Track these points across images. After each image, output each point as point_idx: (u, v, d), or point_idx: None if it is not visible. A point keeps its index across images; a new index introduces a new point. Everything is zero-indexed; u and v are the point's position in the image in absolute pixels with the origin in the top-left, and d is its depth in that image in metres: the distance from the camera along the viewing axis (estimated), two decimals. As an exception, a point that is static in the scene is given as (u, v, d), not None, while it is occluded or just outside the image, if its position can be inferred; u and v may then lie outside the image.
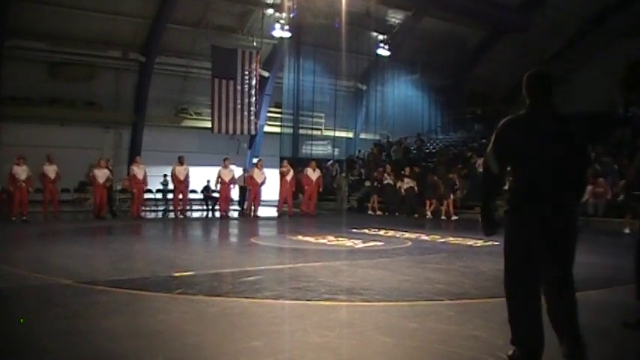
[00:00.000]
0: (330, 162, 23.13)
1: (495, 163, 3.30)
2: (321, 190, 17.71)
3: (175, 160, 16.39)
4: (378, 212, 19.16)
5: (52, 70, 21.81)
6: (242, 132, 22.40)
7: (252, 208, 16.93)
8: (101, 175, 15.07)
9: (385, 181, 18.95)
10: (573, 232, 3.26)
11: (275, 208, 18.07)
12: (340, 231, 12.09)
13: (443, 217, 16.43)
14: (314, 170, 17.63)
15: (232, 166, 16.96)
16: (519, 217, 3.24)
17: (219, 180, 16.39)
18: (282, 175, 17.35)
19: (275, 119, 27.44)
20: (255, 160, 17.93)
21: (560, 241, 3.22)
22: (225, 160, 16.68)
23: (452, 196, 16.71)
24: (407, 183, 18.44)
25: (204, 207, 19.45)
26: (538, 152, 3.19)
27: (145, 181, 15.67)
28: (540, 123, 3.23)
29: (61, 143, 21.02)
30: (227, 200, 16.63)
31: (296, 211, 17.50)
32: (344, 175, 21.08)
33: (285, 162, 17.94)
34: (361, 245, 9.48)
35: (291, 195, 17.40)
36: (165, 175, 20.03)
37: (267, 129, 26.84)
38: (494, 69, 27.07)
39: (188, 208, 17.77)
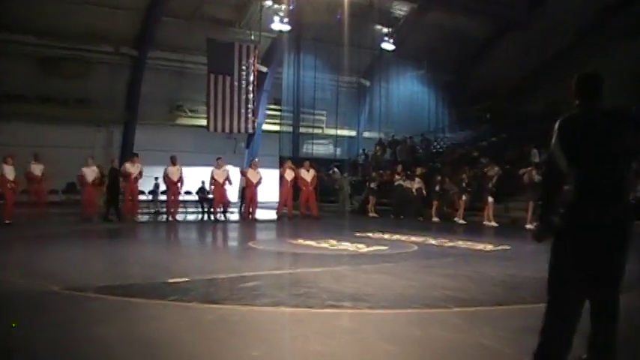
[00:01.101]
0: (331, 170, 23.16)
1: (563, 158, 3.19)
2: (313, 187, 17.62)
3: (168, 160, 16.40)
4: (374, 214, 19.17)
5: (43, 66, 21.85)
6: (239, 130, 22.40)
7: (250, 210, 16.94)
8: (90, 173, 15.07)
9: (396, 183, 18.96)
10: (625, 244, 3.13)
11: (274, 211, 18.09)
12: (342, 234, 12.09)
13: (458, 220, 16.45)
14: (308, 170, 17.62)
15: (228, 166, 16.94)
16: (572, 221, 3.14)
17: (212, 181, 16.42)
18: (282, 175, 17.37)
19: (274, 117, 27.42)
20: (257, 160, 17.91)
21: (610, 254, 3.11)
22: (217, 159, 16.66)
23: (463, 197, 16.71)
24: (417, 183, 18.48)
25: (200, 209, 19.47)
26: (596, 152, 3.15)
27: (138, 180, 15.70)
28: (595, 123, 3.21)
29: (49, 142, 21.04)
30: (222, 202, 16.63)
31: (296, 213, 17.49)
32: (346, 175, 21.10)
33: (289, 162, 17.94)
34: (365, 249, 9.49)
35: (291, 196, 17.42)
36: (156, 179, 20.00)
37: (265, 127, 26.82)
38: (497, 66, 27.11)
39: (183, 210, 17.78)
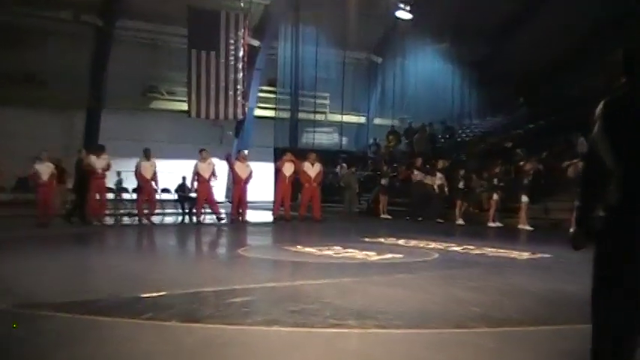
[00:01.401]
0: (339, 166, 23.23)
1: (608, 150, 3.12)
2: (318, 185, 17.65)
3: (141, 152, 16.37)
4: (386, 216, 19.28)
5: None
6: (227, 117, 22.40)
7: (240, 211, 16.96)
8: (44, 170, 15.08)
9: (415, 179, 18.98)
10: None
11: (270, 212, 18.11)
12: (349, 240, 12.13)
13: (488, 223, 16.44)
14: (313, 164, 17.64)
15: (213, 159, 16.93)
16: (617, 226, 3.08)
17: (196, 177, 16.41)
18: (280, 169, 17.39)
19: (268, 101, 27.46)
20: (245, 152, 17.93)
21: None
22: (201, 151, 16.67)
23: (495, 196, 16.66)
24: (438, 179, 18.49)
25: (180, 210, 19.50)
26: None
27: (105, 177, 15.73)
28: None
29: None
30: (209, 201, 16.64)
31: (295, 215, 17.56)
32: (353, 170, 21.11)
33: (289, 154, 17.95)
34: (375, 258, 9.53)
35: (289, 194, 17.44)
36: (119, 174, 19.98)
37: (258, 113, 26.87)
38: (535, 40, 26.98)
39: (160, 211, 17.81)
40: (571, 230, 3.29)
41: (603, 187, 3.17)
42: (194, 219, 16.94)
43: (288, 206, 17.43)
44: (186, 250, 11.88)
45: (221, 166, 17.87)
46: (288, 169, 17.37)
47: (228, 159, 17.52)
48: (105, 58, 23.62)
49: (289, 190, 17.45)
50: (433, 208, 18.35)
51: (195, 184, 16.61)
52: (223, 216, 16.97)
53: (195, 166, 16.44)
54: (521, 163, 16.74)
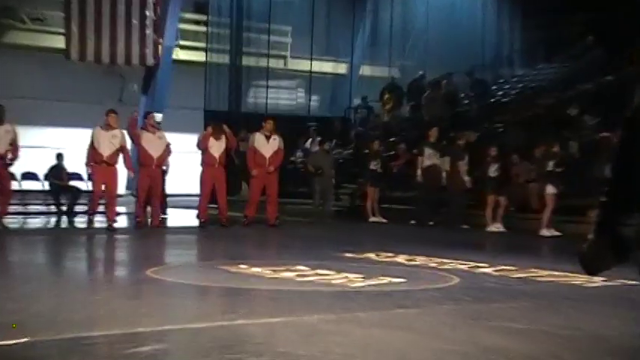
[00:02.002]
0: (307, 142, 23.14)
1: None
2: (275, 169, 17.60)
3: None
4: (377, 218, 19.46)
5: None
6: (129, 61, 22.21)
7: (150, 209, 16.88)
8: None
9: (425, 163, 18.95)
10: None
11: (195, 211, 18.07)
12: (321, 255, 12.15)
13: (547, 233, 16.50)
14: (268, 138, 17.60)
15: (121, 131, 16.66)
16: None
17: (92, 154, 16.21)
18: (205, 148, 17.27)
19: (195, 37, 27.35)
20: (159, 117, 17.77)
21: None
22: (109, 114, 16.47)
23: (549, 189, 16.62)
24: (462, 162, 18.53)
25: (55, 208, 19.33)
26: None
27: None
28: None
29: None
30: (108, 195, 16.45)
31: (237, 216, 17.50)
32: (328, 148, 21.03)
33: (216, 126, 17.76)
34: (361, 283, 9.53)
35: (223, 185, 17.37)
36: None
37: (179, 56, 26.69)
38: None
39: (20, 209, 17.66)
40: (586, 242, 3.22)
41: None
42: (78, 220, 16.78)
43: (224, 204, 17.38)
44: (63, 272, 11.74)
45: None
46: (217, 147, 17.22)
47: (131, 127, 17.23)
48: None
49: (223, 179, 17.34)
50: (453, 208, 18.39)
51: (90, 168, 16.48)
52: (117, 224, 16.76)
53: (93, 136, 16.23)
54: (602, 134, 16.63)
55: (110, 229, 16.14)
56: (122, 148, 16.40)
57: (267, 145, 17.59)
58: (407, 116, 26.28)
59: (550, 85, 25.17)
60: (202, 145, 17.40)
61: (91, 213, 16.57)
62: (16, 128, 16.08)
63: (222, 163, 17.39)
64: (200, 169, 17.54)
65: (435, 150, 19.10)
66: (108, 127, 16.28)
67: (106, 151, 16.16)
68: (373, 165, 20.08)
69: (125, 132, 16.63)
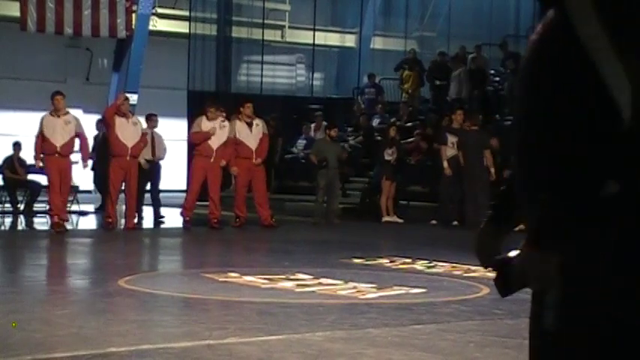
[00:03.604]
0: (309, 127, 23.15)
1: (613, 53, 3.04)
2: (262, 161, 17.62)
3: None
4: (392, 218, 19.49)
5: None
6: (97, 33, 22.22)
7: (125, 207, 16.90)
8: None
9: (450, 152, 18.94)
10: None
11: (179, 210, 18.11)
12: (326, 262, 12.19)
13: None
14: (250, 126, 17.63)
15: (74, 112, 16.70)
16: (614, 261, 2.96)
17: (43, 145, 16.26)
18: (196, 141, 17.31)
19: (177, 4, 27.30)
20: (131, 98, 17.73)
21: None
22: (55, 96, 16.46)
23: None
24: (489, 149, 18.54)
25: (10, 206, 19.35)
26: None
27: None
28: None
29: None
30: (62, 189, 16.50)
31: (228, 216, 17.64)
32: (333, 134, 21.03)
33: (215, 108, 17.78)
34: (374, 294, 9.56)
35: (217, 180, 17.40)
36: None
37: (157, 26, 26.68)
38: None
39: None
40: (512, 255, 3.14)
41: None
42: (37, 220, 16.80)
43: (217, 200, 17.40)
44: (20, 282, 11.73)
45: (86, 122, 17.76)
46: (217, 137, 17.21)
47: (111, 112, 17.22)
48: None
49: (218, 175, 17.35)
50: (480, 206, 18.40)
51: (40, 162, 16.47)
52: (68, 225, 16.79)
53: (42, 124, 16.26)
54: None
55: (57, 227, 16.17)
56: (79, 135, 16.41)
57: (250, 134, 17.53)
58: (426, 98, 26.23)
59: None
60: (195, 138, 17.41)
61: (52, 212, 16.54)
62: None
63: (219, 158, 17.34)
64: (188, 162, 17.61)
65: (459, 137, 19.06)
66: (57, 112, 16.27)
67: (59, 140, 16.17)
68: (388, 155, 20.03)
69: (76, 116, 16.61)
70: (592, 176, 2.66)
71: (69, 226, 16.64)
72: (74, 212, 20.43)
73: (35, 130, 16.34)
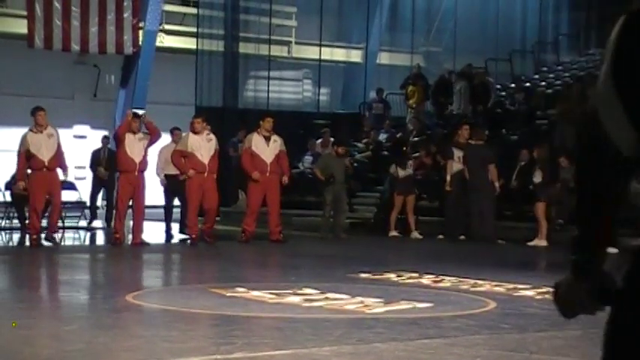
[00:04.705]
0: (315, 143, 23.14)
1: (625, 118, 3.08)
2: (286, 180, 17.65)
3: None
4: (414, 234, 19.47)
5: None
6: (103, 50, 22.22)
7: (132, 223, 16.89)
8: None
9: (456, 168, 18.96)
10: None
11: (178, 225, 18.11)
12: (333, 276, 12.19)
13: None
14: (268, 140, 17.68)
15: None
16: None
17: (28, 162, 16.23)
18: (180, 153, 17.30)
19: (184, 20, 27.31)
20: (142, 114, 17.78)
21: None
22: (37, 112, 16.38)
23: None
24: (493, 167, 18.55)
25: (16, 221, 19.35)
26: None
27: None
28: None
29: None
30: (53, 204, 16.48)
31: (234, 231, 17.55)
32: (340, 150, 21.04)
33: (199, 120, 17.74)
34: (381, 309, 9.54)
35: (215, 195, 17.42)
36: None
37: (164, 42, 26.68)
38: None
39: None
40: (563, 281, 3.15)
41: (618, 179, 3.04)
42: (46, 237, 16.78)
43: (212, 218, 17.45)
44: (28, 298, 11.70)
45: (89, 141, 17.73)
46: (205, 150, 17.19)
47: (123, 130, 17.14)
48: None
49: (213, 189, 17.35)
50: (488, 220, 18.39)
51: (22, 182, 16.43)
52: (57, 238, 16.82)
53: (26, 142, 16.21)
54: None
55: (51, 241, 16.35)
56: (59, 148, 16.41)
57: (267, 148, 17.53)
58: (429, 111, 26.23)
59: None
60: (180, 152, 17.39)
61: (31, 228, 16.54)
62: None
63: (212, 171, 17.36)
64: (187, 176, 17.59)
65: (464, 149, 19.06)
66: (39, 127, 16.29)
67: (45, 155, 16.20)
68: (402, 170, 19.98)
69: (55, 128, 16.60)
70: None
71: (77, 242, 16.62)
72: (81, 228, 20.49)
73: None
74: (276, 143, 17.66)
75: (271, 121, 17.89)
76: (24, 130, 16.58)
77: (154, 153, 17.40)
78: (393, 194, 20.10)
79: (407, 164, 20.04)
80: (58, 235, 16.91)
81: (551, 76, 27.10)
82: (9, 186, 19.50)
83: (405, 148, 20.64)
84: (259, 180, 17.44)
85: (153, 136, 16.90)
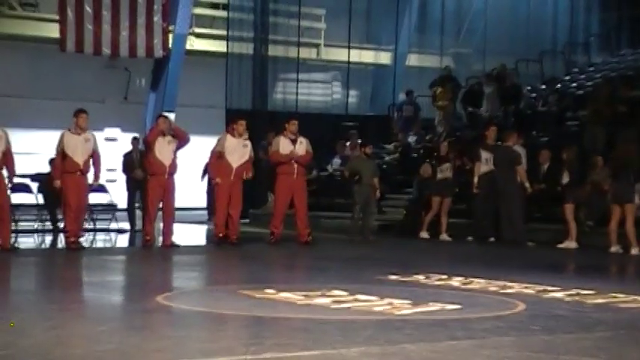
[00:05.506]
0: (343, 145, 23.12)
1: None
2: (301, 176, 17.64)
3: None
4: (443, 236, 19.45)
5: None
6: (134, 53, 22.29)
7: (162, 226, 16.95)
8: None
9: (483, 169, 18.91)
10: None
11: (208, 227, 18.08)
12: (362, 278, 12.17)
13: (636, 251, 16.33)
14: (294, 142, 17.76)
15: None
16: None
17: (63, 163, 16.23)
18: (218, 152, 17.45)
19: (213, 23, 27.33)
20: (169, 118, 17.82)
21: None
22: (79, 114, 16.44)
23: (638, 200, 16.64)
24: (522, 169, 18.50)
25: (49, 223, 19.40)
26: None
27: None
28: None
29: None
30: (77, 207, 16.51)
31: (263, 233, 17.61)
32: (367, 150, 21.02)
33: (241, 122, 17.78)
34: (409, 310, 9.53)
35: (238, 201, 17.51)
36: None
37: (194, 45, 26.72)
38: None
39: (12, 227, 17.75)
40: None
41: None
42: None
43: (236, 220, 17.48)
44: (60, 299, 11.75)
45: (123, 141, 17.75)
46: (238, 155, 17.33)
47: (154, 134, 17.10)
48: None
49: (239, 192, 17.44)
50: (517, 222, 18.33)
51: (59, 181, 16.34)
52: (84, 241, 16.89)
53: (63, 142, 16.25)
54: None
55: (75, 247, 16.24)
56: (94, 154, 16.41)
57: (293, 148, 17.63)
58: (458, 112, 26.16)
59: (636, 75, 24.99)
60: (217, 150, 17.47)
61: (75, 233, 16.45)
62: (6, 133, 15.99)
63: (239, 176, 17.39)
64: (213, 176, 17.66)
65: (491, 152, 19.00)
66: (79, 130, 16.32)
67: (80, 158, 16.21)
68: (440, 172, 19.91)
69: (94, 134, 16.57)
70: None
71: (108, 245, 16.67)
72: (112, 230, 20.56)
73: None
74: (302, 145, 17.69)
75: (296, 123, 17.92)
76: (55, 133, 16.57)
77: (183, 156, 17.37)
78: (422, 196, 20.08)
79: (444, 166, 20.01)
80: (83, 239, 16.92)
81: (582, 77, 26.97)
82: (41, 188, 19.54)
83: (440, 152, 20.56)
84: (285, 180, 17.50)
85: (181, 140, 16.94)
